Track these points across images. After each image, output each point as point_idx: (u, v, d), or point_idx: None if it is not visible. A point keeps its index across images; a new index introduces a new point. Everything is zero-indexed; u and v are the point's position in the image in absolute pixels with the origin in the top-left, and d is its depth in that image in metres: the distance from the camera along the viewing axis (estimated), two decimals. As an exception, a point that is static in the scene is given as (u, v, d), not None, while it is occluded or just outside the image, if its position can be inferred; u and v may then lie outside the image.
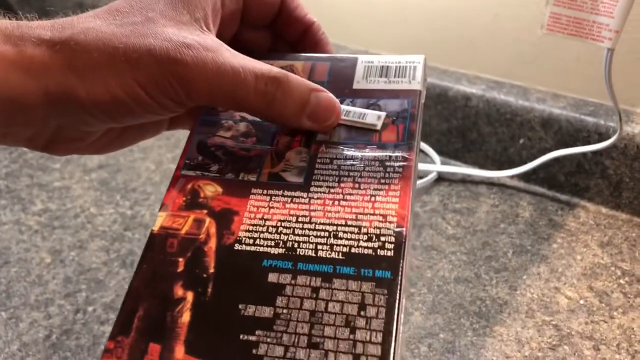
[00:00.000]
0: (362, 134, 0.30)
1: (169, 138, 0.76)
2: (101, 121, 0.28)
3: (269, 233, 0.27)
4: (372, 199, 0.27)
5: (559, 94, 0.64)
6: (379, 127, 0.31)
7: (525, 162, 0.64)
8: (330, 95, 0.30)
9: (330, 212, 0.27)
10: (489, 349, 0.48)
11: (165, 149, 0.74)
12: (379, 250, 0.25)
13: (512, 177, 0.66)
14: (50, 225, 0.62)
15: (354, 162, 0.29)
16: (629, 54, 0.57)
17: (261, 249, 0.26)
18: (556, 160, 0.62)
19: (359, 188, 0.28)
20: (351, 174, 0.29)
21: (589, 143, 0.60)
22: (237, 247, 0.26)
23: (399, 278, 0.25)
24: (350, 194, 0.28)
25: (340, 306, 0.24)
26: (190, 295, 0.25)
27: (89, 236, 0.60)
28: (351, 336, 0.23)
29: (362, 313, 0.24)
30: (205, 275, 0.26)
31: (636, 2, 0.45)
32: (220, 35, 0.31)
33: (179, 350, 0.24)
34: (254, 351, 0.23)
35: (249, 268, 0.26)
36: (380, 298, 0.24)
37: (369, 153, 0.29)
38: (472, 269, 0.55)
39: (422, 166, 0.68)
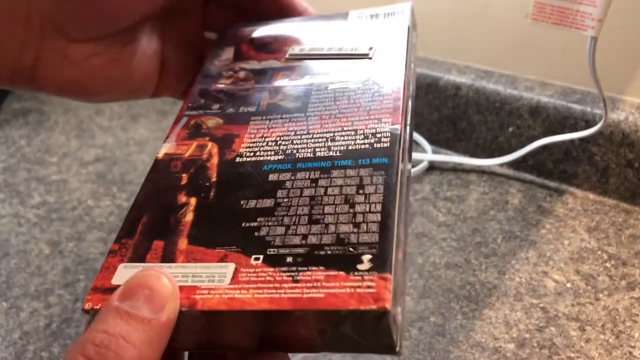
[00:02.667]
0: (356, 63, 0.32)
1: (165, 130, 0.77)
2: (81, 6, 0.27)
3: (269, 146, 0.28)
4: (367, 109, 0.28)
5: (546, 82, 0.65)
6: (371, 55, 0.32)
7: (514, 150, 0.65)
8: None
9: (327, 124, 0.28)
10: (478, 332, 0.49)
11: (160, 142, 0.75)
12: (375, 144, 0.26)
13: (501, 164, 0.67)
14: (48, 218, 0.63)
15: (348, 85, 0.30)
16: (613, 42, 0.58)
17: (261, 158, 0.27)
18: (544, 147, 0.63)
19: (354, 103, 0.29)
20: (346, 93, 0.30)
21: (576, 130, 0.61)
22: (238, 160, 0.27)
23: (396, 161, 0.25)
24: (347, 108, 0.29)
25: (339, 189, 0.24)
26: (193, 200, 0.26)
27: (87, 228, 0.61)
28: (350, 210, 0.23)
29: (361, 191, 0.24)
30: (207, 184, 0.26)
31: (619, -9, 0.46)
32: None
33: (182, 243, 0.24)
34: (255, 234, 0.23)
35: (250, 173, 0.26)
36: (378, 178, 0.24)
37: (361, 74, 0.31)
38: (462, 255, 0.57)
39: (413, 155, 0.69)
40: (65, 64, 0.29)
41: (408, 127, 0.28)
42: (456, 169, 0.68)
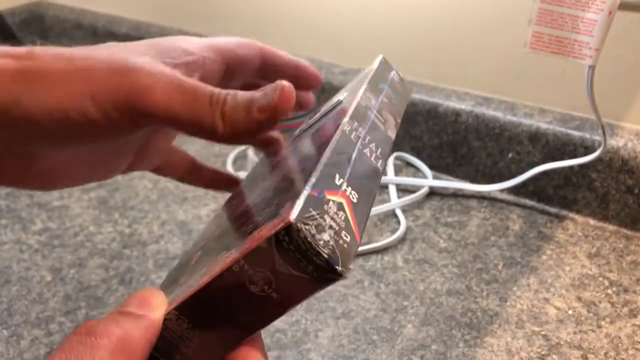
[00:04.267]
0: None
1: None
2: (43, 139, 0.25)
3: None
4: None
5: (545, 108, 0.65)
6: (342, 98, 0.33)
7: (514, 176, 0.66)
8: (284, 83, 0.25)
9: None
10: (480, 360, 0.49)
11: (162, 168, 0.75)
12: None
13: (502, 190, 0.68)
14: (50, 244, 0.63)
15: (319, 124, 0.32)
16: (611, 69, 0.59)
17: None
18: (544, 173, 0.63)
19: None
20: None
21: (575, 156, 0.61)
22: None
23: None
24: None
25: None
26: None
27: (89, 254, 0.61)
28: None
29: None
30: None
31: (616, 20, 0.47)
32: None
33: None
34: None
35: None
36: None
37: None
38: (464, 282, 0.57)
39: (414, 181, 0.70)
40: (20, 175, 0.28)
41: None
42: (456, 195, 0.69)
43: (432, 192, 0.69)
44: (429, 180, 0.70)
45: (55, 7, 1.08)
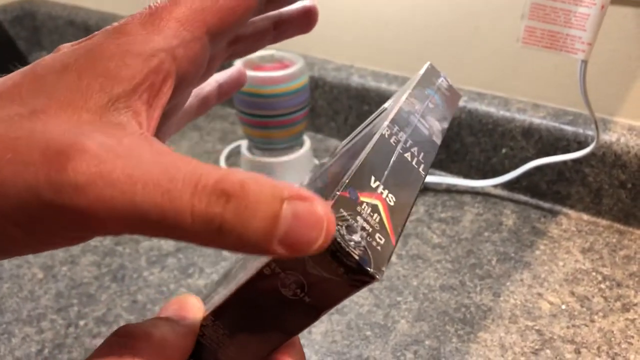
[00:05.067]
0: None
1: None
2: None
3: None
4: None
5: (538, 104, 0.65)
6: (387, 106, 0.33)
7: (508, 171, 0.66)
8: (316, 204, 0.18)
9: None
10: (474, 355, 0.49)
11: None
12: None
13: (495, 186, 0.68)
14: (42, 242, 0.63)
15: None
16: (604, 64, 0.59)
17: None
18: (538, 168, 0.63)
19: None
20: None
21: (568, 151, 0.61)
22: None
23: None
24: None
25: None
26: None
27: (81, 251, 0.61)
28: None
29: None
30: None
31: (608, 14, 0.47)
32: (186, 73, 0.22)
33: None
34: None
35: None
36: None
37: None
38: (457, 277, 0.57)
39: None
40: None
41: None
42: (450, 190, 0.69)
43: (426, 188, 0.69)
44: (422, 176, 0.70)
45: (47, 4, 1.07)
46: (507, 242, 0.61)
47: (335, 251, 0.20)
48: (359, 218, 0.21)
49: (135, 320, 0.53)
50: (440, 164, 0.72)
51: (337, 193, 0.21)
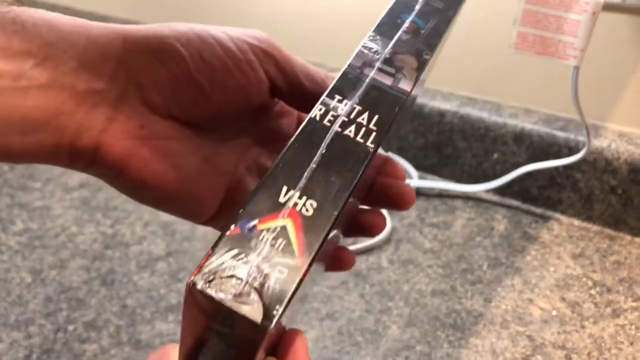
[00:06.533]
0: None
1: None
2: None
3: None
4: None
5: (530, 109, 0.65)
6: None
7: (499, 176, 0.66)
8: None
9: None
10: (465, 361, 0.49)
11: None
12: None
13: (487, 191, 0.68)
14: (30, 245, 0.62)
15: None
16: (595, 70, 0.59)
17: None
18: (529, 174, 0.63)
19: None
20: None
21: (559, 157, 0.61)
22: None
23: None
24: None
25: None
26: None
27: (70, 255, 0.61)
28: None
29: None
30: None
31: (600, 21, 0.47)
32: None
33: None
34: None
35: None
36: None
37: None
38: (448, 282, 0.56)
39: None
40: (138, 135, 0.26)
41: None
42: (442, 195, 0.69)
43: (418, 192, 0.69)
44: (414, 180, 0.70)
45: (38, 4, 1.06)
46: (499, 247, 0.61)
47: (216, 310, 0.18)
48: (251, 256, 0.19)
49: (125, 324, 0.52)
50: (432, 168, 0.72)
51: (226, 234, 0.19)
